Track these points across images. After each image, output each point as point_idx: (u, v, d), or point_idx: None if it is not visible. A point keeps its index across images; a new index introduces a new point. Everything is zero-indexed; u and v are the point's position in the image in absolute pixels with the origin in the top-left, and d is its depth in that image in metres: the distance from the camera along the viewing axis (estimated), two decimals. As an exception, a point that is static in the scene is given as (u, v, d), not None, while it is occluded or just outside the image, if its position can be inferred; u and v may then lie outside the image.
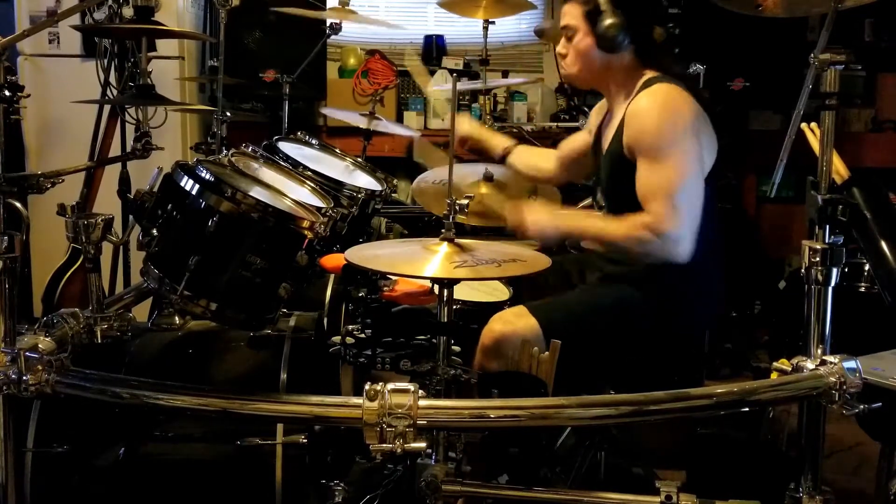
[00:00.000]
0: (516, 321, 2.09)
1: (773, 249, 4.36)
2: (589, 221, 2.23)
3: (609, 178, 2.31)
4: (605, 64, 2.23)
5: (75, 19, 3.58)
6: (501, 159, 2.71)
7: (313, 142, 2.72)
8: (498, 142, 2.74)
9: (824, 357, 1.52)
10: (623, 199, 2.20)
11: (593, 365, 2.13)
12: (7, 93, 1.81)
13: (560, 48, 2.30)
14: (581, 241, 2.35)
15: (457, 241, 1.78)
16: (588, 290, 2.25)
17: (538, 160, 2.71)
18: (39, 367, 1.50)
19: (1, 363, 1.49)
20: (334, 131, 4.22)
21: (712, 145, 2.17)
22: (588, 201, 2.92)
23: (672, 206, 2.05)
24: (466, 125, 2.76)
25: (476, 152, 2.80)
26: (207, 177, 1.76)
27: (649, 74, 2.20)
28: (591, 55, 2.22)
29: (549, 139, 4.12)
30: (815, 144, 2.06)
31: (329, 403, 1.48)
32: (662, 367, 2.21)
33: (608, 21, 2.15)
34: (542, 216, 2.19)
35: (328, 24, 3.56)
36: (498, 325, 2.09)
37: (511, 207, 2.25)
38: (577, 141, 2.63)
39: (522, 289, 2.41)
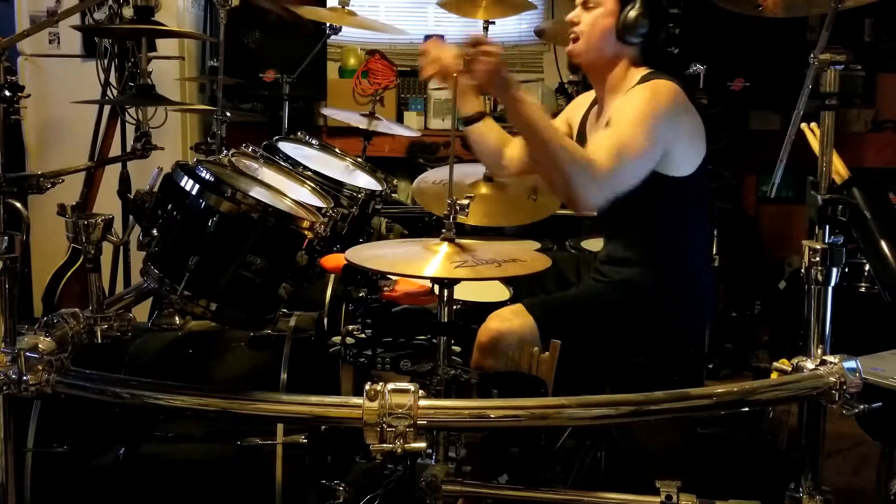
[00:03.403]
0: (513, 319, 2.09)
1: (773, 249, 4.36)
2: (549, 126, 2.04)
3: None
4: (614, 52, 2.21)
5: (75, 19, 3.58)
6: (467, 122, 2.44)
7: (313, 142, 2.72)
8: (472, 103, 2.44)
9: (824, 357, 1.52)
10: (618, 204, 2.18)
11: (589, 364, 2.13)
12: (7, 93, 1.81)
13: (573, 16, 2.22)
14: (522, 130, 2.05)
15: (457, 241, 1.78)
16: (585, 290, 2.25)
17: (503, 143, 2.47)
18: (39, 367, 1.50)
19: (1, 363, 1.49)
20: (334, 131, 4.22)
21: (701, 137, 2.17)
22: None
23: (617, 161, 1.98)
24: (449, 57, 2.12)
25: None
26: (207, 177, 1.76)
27: (646, 71, 2.20)
28: (607, 38, 2.19)
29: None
30: (815, 144, 2.06)
31: (329, 403, 1.48)
32: (662, 368, 2.21)
33: (637, 12, 2.13)
34: (505, 75, 1.98)
35: (328, 24, 3.56)
36: (495, 322, 2.09)
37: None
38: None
39: (520, 289, 2.40)
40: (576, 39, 2.24)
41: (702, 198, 2.22)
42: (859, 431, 1.93)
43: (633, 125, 2.04)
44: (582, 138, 2.38)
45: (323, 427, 1.98)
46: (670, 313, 2.17)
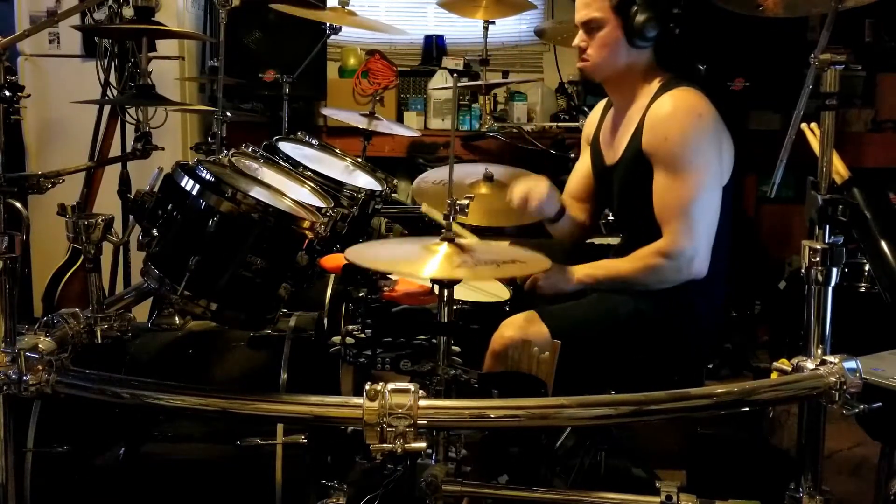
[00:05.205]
0: (528, 327, 2.06)
1: (773, 249, 4.35)
2: (599, 267, 2.21)
3: (624, 186, 2.26)
4: (628, 60, 2.21)
5: (75, 19, 3.58)
6: (557, 218, 2.42)
7: (313, 142, 2.72)
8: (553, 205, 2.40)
9: (824, 357, 1.52)
10: (640, 209, 2.16)
11: (599, 372, 2.12)
12: (7, 93, 1.81)
13: (579, 41, 2.23)
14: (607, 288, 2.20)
15: (457, 241, 1.77)
16: (600, 300, 2.19)
17: (574, 217, 2.48)
18: (39, 367, 1.50)
19: (1, 363, 1.49)
20: (334, 131, 4.22)
21: (730, 150, 2.19)
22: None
23: (689, 223, 2.08)
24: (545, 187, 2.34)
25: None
26: (208, 177, 1.76)
27: (665, 77, 2.21)
28: (619, 49, 2.19)
29: (549, 139, 4.12)
30: (815, 144, 2.06)
31: (329, 403, 1.48)
32: (663, 369, 2.21)
33: (644, 16, 2.13)
34: (553, 273, 2.17)
35: (328, 24, 3.56)
36: (509, 330, 2.07)
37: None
38: (583, 173, 2.49)
39: (523, 290, 2.39)
40: (585, 59, 2.24)
41: (725, 206, 2.19)
42: (859, 431, 1.93)
43: (682, 170, 2.08)
44: (596, 147, 2.38)
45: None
46: (684, 328, 2.16)
